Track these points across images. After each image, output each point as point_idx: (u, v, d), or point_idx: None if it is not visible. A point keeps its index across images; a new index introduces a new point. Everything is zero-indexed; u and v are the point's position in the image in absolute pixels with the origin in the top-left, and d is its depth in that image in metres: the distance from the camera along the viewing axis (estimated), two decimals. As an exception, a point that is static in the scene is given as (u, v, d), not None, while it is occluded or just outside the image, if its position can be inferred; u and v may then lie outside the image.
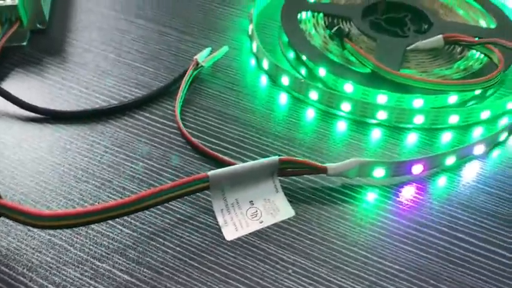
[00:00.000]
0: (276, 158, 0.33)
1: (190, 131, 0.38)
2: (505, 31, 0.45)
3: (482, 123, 0.39)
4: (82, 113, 0.38)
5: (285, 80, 0.41)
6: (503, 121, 0.40)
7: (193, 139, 0.37)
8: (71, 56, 0.44)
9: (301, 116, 0.40)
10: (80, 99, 0.40)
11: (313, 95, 0.40)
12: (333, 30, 0.42)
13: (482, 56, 0.42)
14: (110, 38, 0.46)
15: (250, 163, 0.32)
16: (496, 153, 0.37)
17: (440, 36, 0.42)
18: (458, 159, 0.36)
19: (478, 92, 0.41)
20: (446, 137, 0.38)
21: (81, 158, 0.36)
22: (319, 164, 0.33)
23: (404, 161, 0.34)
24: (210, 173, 0.31)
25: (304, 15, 0.47)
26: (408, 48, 0.42)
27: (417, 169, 0.34)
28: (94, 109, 0.39)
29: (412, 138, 0.38)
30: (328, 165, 0.33)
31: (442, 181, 0.35)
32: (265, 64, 0.43)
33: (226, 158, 0.35)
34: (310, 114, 0.40)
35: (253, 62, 0.44)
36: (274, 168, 0.33)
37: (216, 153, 0.36)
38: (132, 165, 0.35)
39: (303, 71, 0.43)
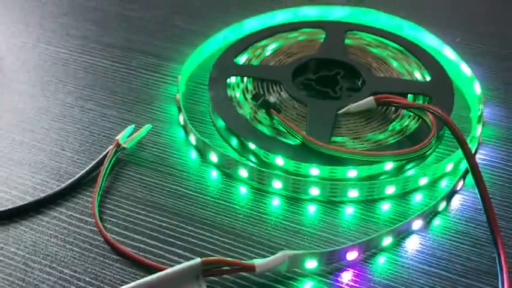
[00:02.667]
0: (198, 260, 0.30)
1: (110, 226, 0.35)
2: (440, 84, 0.44)
3: (421, 189, 0.38)
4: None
5: (213, 157, 0.39)
6: (443, 183, 0.38)
7: (111, 238, 0.34)
8: (-19, 144, 0.41)
9: (232, 197, 0.37)
10: (-11, 198, 0.37)
11: (243, 173, 0.38)
12: (258, 102, 0.39)
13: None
14: (25, 120, 0.43)
15: (171, 270, 0.30)
16: (435, 224, 0.35)
17: (371, 98, 0.40)
18: (396, 237, 0.34)
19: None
20: (384, 208, 0.36)
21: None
22: (246, 263, 0.30)
23: (337, 249, 0.32)
24: (123, 288, 0.28)
25: (233, 79, 0.44)
26: (339, 112, 0.40)
27: (352, 255, 0.32)
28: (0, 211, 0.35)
29: (348, 213, 0.36)
30: (256, 262, 0.30)
31: (379, 264, 0.33)
32: (193, 139, 0.41)
33: (147, 260, 0.32)
34: (242, 193, 0.37)
35: (181, 134, 0.42)
36: (197, 272, 0.30)
37: (136, 255, 0.33)
38: (44, 275, 0.32)
39: (234, 142, 0.41)
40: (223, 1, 0.58)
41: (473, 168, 0.33)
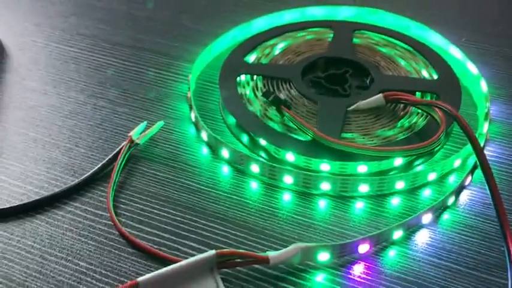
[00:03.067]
0: (213, 252, 0.30)
1: (124, 220, 0.35)
2: (447, 82, 0.44)
3: (430, 184, 0.38)
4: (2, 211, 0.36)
5: (225, 153, 0.39)
6: (451, 179, 0.39)
7: (126, 232, 0.34)
8: (-5, 141, 0.41)
9: (244, 192, 0.38)
10: (3, 193, 0.37)
11: (255, 168, 0.38)
12: (269, 99, 0.40)
13: (426, 111, 0.41)
14: (38, 117, 0.43)
15: (185, 262, 0.30)
16: (444, 219, 0.36)
17: (380, 95, 0.40)
18: (406, 231, 0.35)
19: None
20: (394, 203, 0.37)
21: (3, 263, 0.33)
22: (260, 255, 0.31)
23: (349, 242, 0.32)
24: (140, 280, 0.29)
25: (243, 77, 0.45)
26: (349, 109, 0.41)
27: (364, 248, 0.33)
28: (16, 206, 0.36)
29: (359, 207, 0.37)
30: (269, 254, 0.31)
31: (390, 257, 0.33)
32: (204, 136, 0.41)
33: (162, 253, 0.33)
34: (253, 188, 0.38)
35: (192, 131, 0.43)
36: (212, 264, 0.31)
37: (151, 248, 0.33)
38: (60, 267, 0.33)
39: (245, 138, 0.41)
40: (230, 1, 0.59)
41: (483, 163, 0.34)
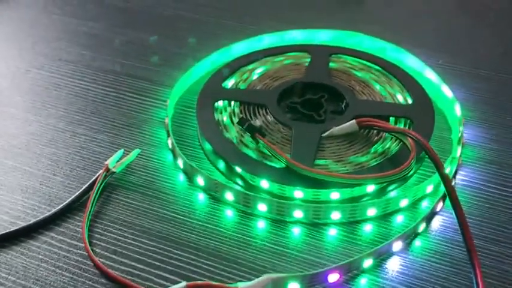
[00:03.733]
0: (184, 284, 0.31)
1: (99, 250, 0.36)
2: (421, 107, 0.45)
3: (402, 210, 0.39)
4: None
5: (200, 180, 0.40)
6: (424, 204, 0.39)
7: (100, 263, 0.34)
8: (-27, 170, 0.42)
9: (218, 220, 0.38)
10: (-19, 224, 0.37)
11: (229, 196, 0.39)
12: (244, 127, 0.41)
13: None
14: (18, 145, 0.44)
15: (155, 294, 0.31)
16: (415, 245, 0.36)
17: (354, 121, 0.41)
18: (377, 259, 0.35)
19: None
20: (366, 229, 0.37)
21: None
22: (231, 287, 0.31)
23: (319, 272, 0.33)
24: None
25: (220, 103, 0.46)
26: (323, 135, 0.41)
27: (334, 277, 0.33)
28: (-8, 237, 0.36)
29: (331, 235, 0.37)
30: (240, 286, 0.31)
31: (361, 286, 0.34)
32: (181, 163, 0.42)
33: (135, 284, 0.33)
34: (228, 216, 0.38)
35: (170, 158, 0.43)
36: (182, 295, 0.31)
37: (125, 280, 0.33)
38: (34, 300, 0.33)
39: (221, 165, 0.42)
40: (211, 24, 0.60)
41: (450, 192, 0.34)
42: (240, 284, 0.32)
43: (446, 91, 0.48)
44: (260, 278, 0.32)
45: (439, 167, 0.35)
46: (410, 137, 0.38)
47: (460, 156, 0.42)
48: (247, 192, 0.38)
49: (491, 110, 0.48)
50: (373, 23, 0.60)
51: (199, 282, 0.32)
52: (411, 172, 0.39)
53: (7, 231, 0.36)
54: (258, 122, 0.43)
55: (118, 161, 0.41)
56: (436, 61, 0.54)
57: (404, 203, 0.38)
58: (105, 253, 0.36)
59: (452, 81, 0.50)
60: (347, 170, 0.39)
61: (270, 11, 0.62)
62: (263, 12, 0.62)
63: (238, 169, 0.40)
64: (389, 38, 0.54)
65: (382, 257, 0.35)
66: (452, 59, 0.54)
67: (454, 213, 0.34)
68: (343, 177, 0.37)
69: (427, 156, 0.40)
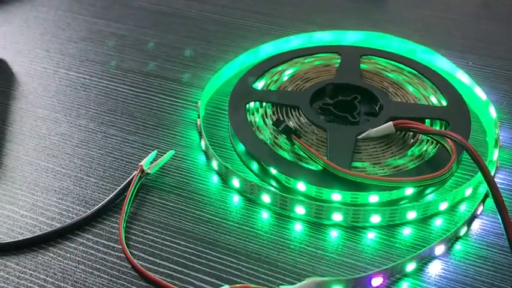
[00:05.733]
0: (227, 287, 0.31)
1: (136, 252, 0.35)
2: (456, 109, 0.44)
3: (441, 214, 0.38)
4: (12, 244, 0.36)
5: (235, 182, 0.40)
6: (462, 208, 0.39)
7: (138, 264, 0.34)
8: (4, 169, 0.41)
9: (255, 222, 0.38)
10: (15, 225, 0.37)
11: (266, 198, 0.38)
12: (279, 128, 0.40)
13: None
14: (49, 146, 0.44)
15: (199, 297, 0.30)
16: (456, 249, 0.36)
17: (390, 123, 0.40)
18: (419, 263, 0.34)
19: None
20: (405, 233, 0.37)
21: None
22: (273, 289, 0.31)
23: (363, 276, 0.32)
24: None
25: (252, 104, 0.45)
26: (359, 137, 0.41)
27: (377, 281, 0.33)
28: (28, 238, 0.36)
29: (370, 238, 0.36)
30: (282, 289, 0.31)
31: (404, 290, 0.33)
32: (215, 164, 0.41)
33: (175, 287, 0.33)
34: (264, 218, 0.38)
35: (203, 159, 0.43)
36: (225, 298, 0.31)
37: (164, 282, 0.33)
38: (74, 302, 0.33)
39: (255, 166, 0.42)
40: (238, 26, 0.59)
41: (495, 193, 0.34)
42: (283, 287, 0.31)
43: (480, 93, 0.47)
44: (304, 281, 0.31)
45: (482, 168, 0.34)
46: (450, 138, 0.37)
47: (498, 159, 0.42)
48: (285, 194, 0.38)
49: (525, 113, 0.47)
50: (398, 24, 0.60)
51: (241, 285, 0.31)
52: (451, 175, 0.38)
53: (44, 232, 0.36)
54: (291, 124, 0.43)
55: (152, 162, 0.41)
56: (466, 63, 0.53)
57: (443, 206, 0.38)
58: (143, 255, 0.35)
59: (484, 84, 0.49)
60: (385, 172, 0.39)
61: (292, 12, 0.62)
62: (287, 13, 0.62)
63: (273, 171, 0.40)
64: (415, 39, 0.54)
65: (424, 260, 0.35)
66: (480, 61, 0.54)
67: (499, 216, 0.33)
68: (383, 180, 0.37)
69: (466, 156, 0.40)
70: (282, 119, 0.43)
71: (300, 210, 0.37)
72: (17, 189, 0.40)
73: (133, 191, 0.39)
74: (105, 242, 0.36)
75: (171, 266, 0.35)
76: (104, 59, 0.54)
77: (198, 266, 0.34)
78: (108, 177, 0.41)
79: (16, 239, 0.36)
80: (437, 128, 0.43)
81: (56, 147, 0.43)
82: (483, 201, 0.38)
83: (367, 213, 0.37)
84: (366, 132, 0.41)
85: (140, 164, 0.40)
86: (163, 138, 0.44)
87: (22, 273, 0.34)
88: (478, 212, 0.38)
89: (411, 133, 0.42)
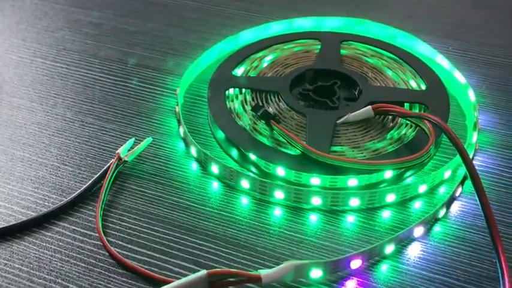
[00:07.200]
0: (204, 272, 0.30)
1: (114, 240, 0.35)
2: (435, 92, 0.44)
3: (420, 196, 0.38)
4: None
5: (214, 169, 0.39)
6: (442, 190, 0.39)
7: (115, 252, 0.34)
8: (-19, 161, 0.41)
9: (234, 208, 0.37)
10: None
11: (245, 184, 0.38)
12: (258, 114, 0.40)
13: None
14: (25, 135, 0.43)
15: (177, 283, 0.30)
16: (435, 231, 0.36)
17: (369, 107, 0.40)
18: (398, 245, 0.34)
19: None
20: (385, 216, 0.37)
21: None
22: (252, 274, 0.31)
23: (342, 258, 0.32)
24: (130, 303, 0.29)
25: (231, 91, 0.45)
26: (338, 121, 0.41)
27: (356, 264, 0.32)
28: (2, 227, 0.35)
29: (350, 221, 0.36)
30: (262, 273, 0.31)
31: (383, 272, 0.33)
32: (194, 151, 0.41)
33: (152, 273, 0.32)
34: (244, 204, 0.38)
35: (181, 146, 0.42)
36: (204, 284, 0.30)
37: (142, 268, 0.33)
38: (50, 291, 0.32)
39: (234, 153, 0.41)
40: (217, 13, 0.59)
41: (473, 175, 0.34)
42: (261, 271, 0.31)
43: (459, 77, 0.47)
44: (282, 264, 0.31)
45: (460, 150, 0.34)
46: (429, 120, 0.37)
47: (476, 141, 0.42)
48: (265, 179, 0.37)
49: (503, 96, 0.47)
50: (379, 10, 0.60)
51: (220, 269, 0.31)
52: (430, 157, 0.38)
53: (19, 221, 0.36)
54: (270, 109, 0.43)
55: (129, 150, 0.40)
56: (446, 48, 0.53)
57: (422, 188, 0.38)
58: (120, 242, 0.35)
59: (463, 68, 0.49)
60: (364, 156, 0.39)
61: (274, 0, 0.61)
62: (267, 0, 0.61)
63: (252, 156, 0.40)
64: (396, 25, 0.54)
65: (403, 243, 0.35)
66: (461, 46, 0.54)
67: (477, 198, 0.33)
68: (362, 163, 0.37)
69: (444, 139, 0.40)
70: (261, 104, 0.43)
71: (279, 194, 0.37)
72: (-8, 179, 0.39)
73: (110, 179, 0.38)
74: (82, 230, 0.35)
75: (149, 253, 0.34)
76: (81, 48, 0.53)
77: (176, 253, 0.34)
78: (85, 165, 0.40)
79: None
80: (416, 111, 0.43)
81: (32, 137, 0.43)
82: (462, 183, 0.38)
83: (346, 196, 0.36)
84: (345, 117, 0.41)
85: (117, 151, 0.39)
86: (142, 126, 0.44)
87: (-4, 263, 0.34)
88: (457, 194, 0.38)
89: (390, 117, 0.42)
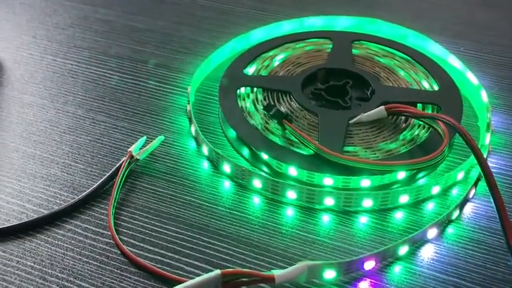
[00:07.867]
0: (218, 272, 0.30)
1: (126, 238, 0.35)
2: (448, 93, 0.44)
3: (433, 198, 0.38)
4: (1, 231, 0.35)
5: (226, 168, 0.39)
6: (455, 191, 0.38)
7: (128, 250, 0.34)
8: (-7, 157, 0.41)
9: (246, 207, 0.37)
10: (2, 212, 0.36)
11: (257, 183, 0.38)
12: (270, 113, 0.40)
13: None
14: (36, 132, 0.43)
15: (190, 282, 0.30)
16: (449, 233, 0.35)
17: (382, 108, 0.40)
18: (411, 246, 0.34)
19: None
20: (398, 217, 0.37)
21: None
22: (266, 274, 0.31)
23: (355, 259, 0.32)
24: (144, 302, 0.28)
25: (243, 90, 0.45)
26: (351, 121, 0.41)
27: (369, 265, 0.32)
28: (15, 225, 0.35)
29: (362, 222, 0.36)
30: (275, 273, 0.31)
31: (396, 273, 0.33)
32: (205, 150, 0.41)
33: (165, 272, 0.32)
34: (255, 204, 0.37)
35: (193, 145, 0.42)
36: (217, 284, 0.30)
37: (154, 267, 0.33)
38: (62, 289, 0.32)
39: (246, 152, 0.41)
40: (228, 12, 0.59)
41: (488, 176, 0.33)
42: (275, 271, 0.31)
43: (471, 78, 0.47)
44: (296, 265, 0.31)
45: (475, 150, 0.34)
46: (443, 121, 0.37)
47: (489, 143, 0.41)
48: (277, 179, 0.37)
49: (516, 97, 0.47)
50: (390, 10, 0.59)
51: (234, 269, 0.31)
52: (443, 159, 0.38)
53: (31, 219, 0.35)
54: (282, 109, 0.42)
55: (141, 148, 0.40)
56: (458, 48, 0.53)
57: (436, 190, 0.38)
58: (132, 241, 0.35)
59: (475, 69, 0.49)
60: (377, 156, 0.39)
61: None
62: (279, 0, 0.61)
63: (264, 156, 0.40)
64: (407, 25, 0.53)
65: (416, 244, 0.35)
66: (473, 47, 0.53)
67: (490, 198, 0.33)
68: (375, 164, 0.37)
69: (457, 140, 0.40)
70: (272, 103, 0.43)
71: (291, 195, 0.37)
72: (3, 176, 0.39)
73: (122, 177, 0.38)
74: (94, 229, 0.35)
75: (161, 251, 0.34)
76: (91, 45, 0.53)
77: (189, 252, 0.34)
78: (96, 163, 0.40)
79: (2, 226, 0.35)
80: (429, 112, 0.42)
81: (43, 134, 0.43)
82: (475, 184, 0.38)
83: (359, 197, 0.36)
84: (358, 117, 0.41)
85: (129, 149, 0.39)
86: (153, 125, 0.44)
87: (8, 261, 0.33)
88: (470, 196, 0.38)
89: (403, 117, 0.42)
